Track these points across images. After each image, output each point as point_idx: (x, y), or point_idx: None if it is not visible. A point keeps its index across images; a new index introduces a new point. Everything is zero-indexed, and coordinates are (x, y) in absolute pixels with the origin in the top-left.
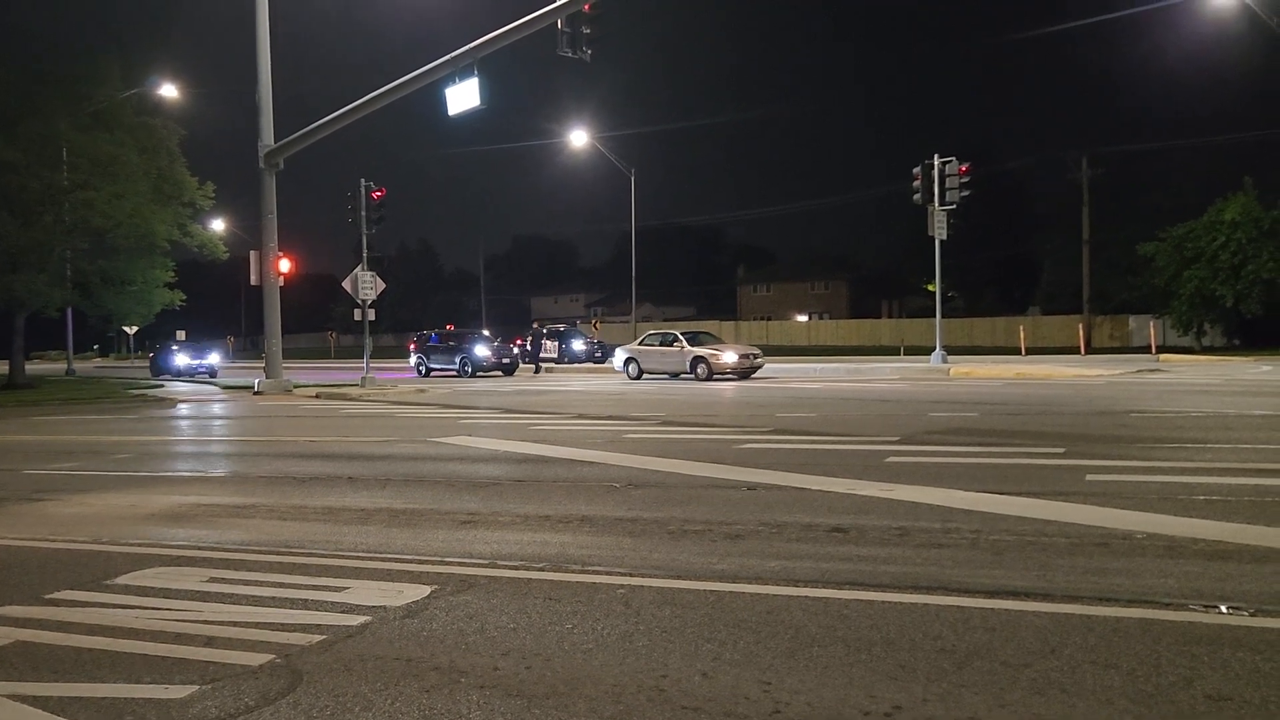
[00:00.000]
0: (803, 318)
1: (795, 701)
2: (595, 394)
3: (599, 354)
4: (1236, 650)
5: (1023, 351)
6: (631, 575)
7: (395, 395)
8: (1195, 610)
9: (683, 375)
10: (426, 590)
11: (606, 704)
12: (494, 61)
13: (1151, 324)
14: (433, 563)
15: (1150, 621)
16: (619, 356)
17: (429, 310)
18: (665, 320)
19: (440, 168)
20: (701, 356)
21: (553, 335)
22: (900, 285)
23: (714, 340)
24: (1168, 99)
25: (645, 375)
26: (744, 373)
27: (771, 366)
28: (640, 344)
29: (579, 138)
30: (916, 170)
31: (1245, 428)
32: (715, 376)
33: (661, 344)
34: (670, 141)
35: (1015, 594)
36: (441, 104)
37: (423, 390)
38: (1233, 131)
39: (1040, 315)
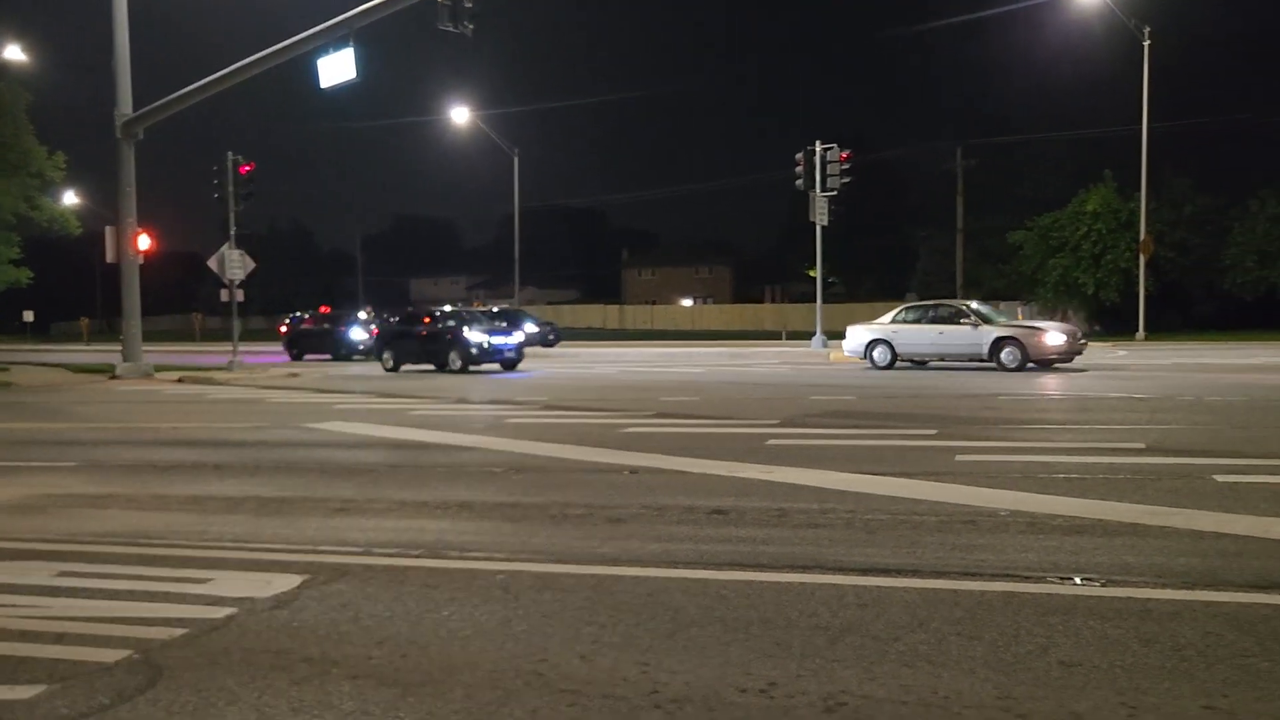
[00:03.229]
0: (687, 302)
1: (673, 681)
2: (480, 378)
3: (552, 337)
4: (1088, 619)
5: None
6: (511, 560)
7: (265, 379)
8: (1053, 582)
9: (958, 362)
10: (297, 580)
11: (483, 690)
12: (371, 33)
13: (1019, 310)
14: (304, 551)
15: (1012, 594)
16: (857, 337)
17: (303, 292)
18: (549, 304)
19: (316, 144)
20: (1011, 337)
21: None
22: (783, 270)
23: (1004, 315)
24: (1038, 93)
25: (900, 362)
26: (1066, 358)
27: (658, 351)
28: (894, 320)
29: (460, 115)
30: (799, 156)
31: (1100, 409)
32: (1030, 364)
33: (934, 319)
34: (554, 122)
35: (887, 571)
36: (315, 75)
37: (295, 374)
38: (1095, 126)
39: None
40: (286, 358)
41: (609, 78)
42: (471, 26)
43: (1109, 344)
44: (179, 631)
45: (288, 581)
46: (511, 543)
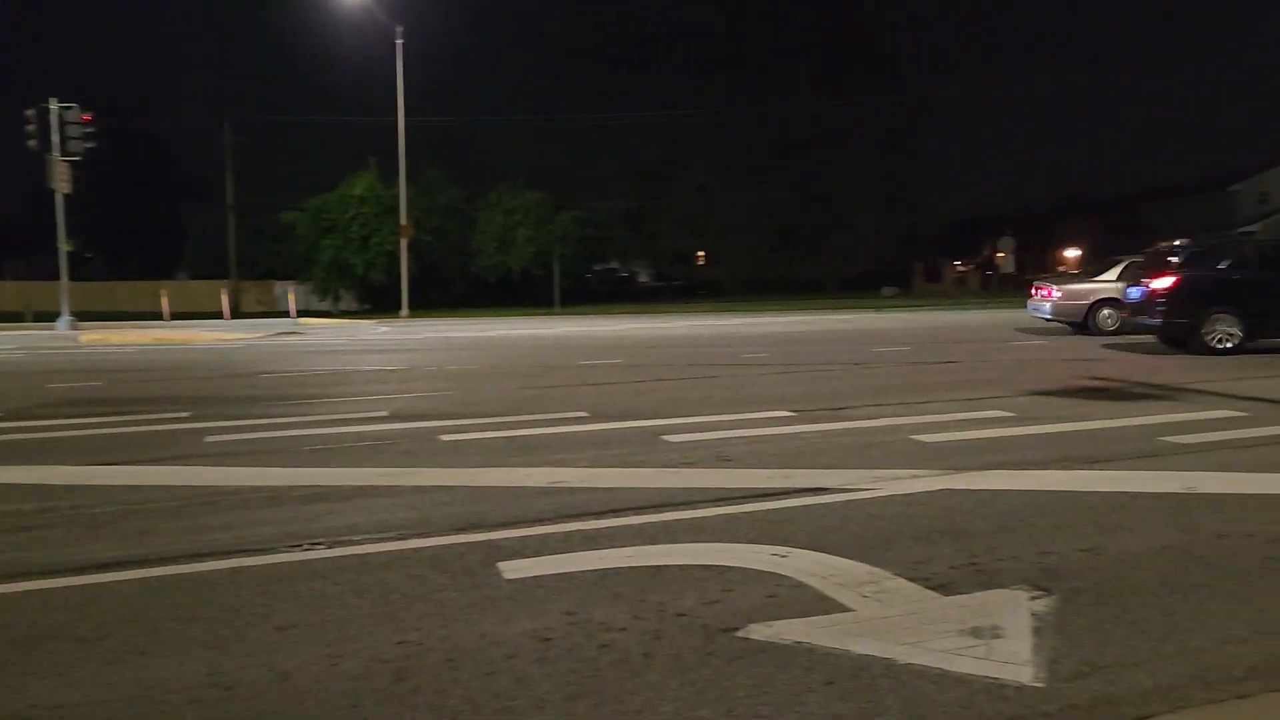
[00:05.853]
0: None
1: None
2: None
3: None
4: (310, 581)
5: (166, 316)
6: None
7: None
8: (282, 552)
9: None
10: None
11: None
12: None
13: (291, 290)
14: None
15: (239, 569)
16: (1072, 297)
17: None
18: None
19: None
20: None
21: None
22: (26, 243)
23: None
24: (315, 76)
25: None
26: None
27: None
28: (1125, 274)
29: None
30: (31, 113)
31: (357, 382)
32: None
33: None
34: None
35: (106, 566)
36: None
37: None
38: (364, 114)
39: (188, 280)
40: None
41: None
42: None
43: (375, 320)
44: None
45: None
46: None
